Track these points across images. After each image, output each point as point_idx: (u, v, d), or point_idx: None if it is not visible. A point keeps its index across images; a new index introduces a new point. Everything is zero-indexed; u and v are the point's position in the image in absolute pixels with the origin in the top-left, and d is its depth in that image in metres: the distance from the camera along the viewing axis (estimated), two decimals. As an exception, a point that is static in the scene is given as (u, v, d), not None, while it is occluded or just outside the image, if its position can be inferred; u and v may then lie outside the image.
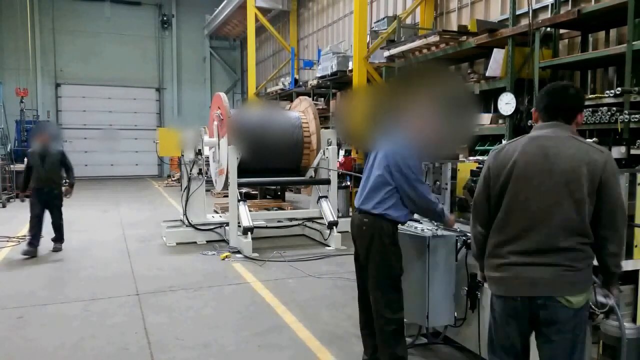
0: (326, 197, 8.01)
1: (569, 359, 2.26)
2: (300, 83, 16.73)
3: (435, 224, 3.76)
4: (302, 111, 8.75)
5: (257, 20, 17.95)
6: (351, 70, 11.86)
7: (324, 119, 13.85)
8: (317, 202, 8.07)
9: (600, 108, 6.07)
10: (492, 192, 2.41)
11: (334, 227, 7.60)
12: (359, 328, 3.67)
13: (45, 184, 7.18)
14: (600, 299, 2.51)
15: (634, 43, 5.76)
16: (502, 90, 7.67)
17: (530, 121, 7.08)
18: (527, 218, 2.26)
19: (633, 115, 5.64)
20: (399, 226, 3.75)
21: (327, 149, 8.18)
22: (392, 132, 3.54)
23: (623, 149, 2.83)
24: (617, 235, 2.26)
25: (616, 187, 2.24)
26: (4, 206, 12.14)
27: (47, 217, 7.40)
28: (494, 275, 2.38)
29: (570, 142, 2.27)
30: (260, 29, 19.90)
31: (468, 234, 3.57)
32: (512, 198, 2.32)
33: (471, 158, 7.76)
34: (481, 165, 3.75)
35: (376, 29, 11.61)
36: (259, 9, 17.89)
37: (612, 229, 2.25)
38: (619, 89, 5.84)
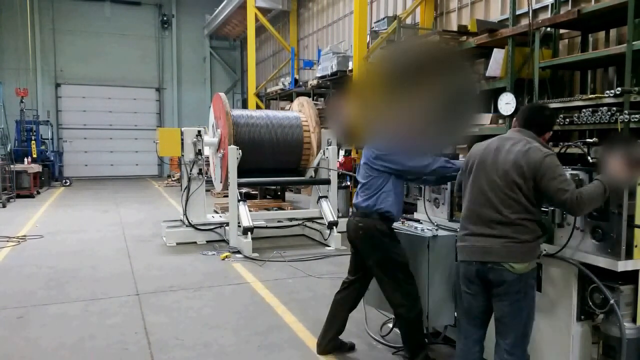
0: (326, 197, 8.01)
1: (517, 316, 2.69)
2: (300, 83, 16.73)
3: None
4: (301, 111, 8.76)
5: (257, 20, 17.95)
6: (351, 70, 11.86)
7: (324, 119, 13.85)
8: (317, 202, 8.07)
9: (600, 108, 6.06)
10: (464, 177, 2.95)
11: (334, 227, 7.60)
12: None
13: None
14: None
15: (634, 43, 5.76)
16: (502, 90, 7.67)
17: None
18: (480, 198, 2.76)
19: (633, 115, 5.64)
20: (398, 225, 3.76)
21: (327, 149, 8.18)
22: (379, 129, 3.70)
23: (623, 149, 2.83)
24: (566, 206, 2.60)
25: (550, 179, 2.59)
26: (4, 206, 12.14)
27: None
28: (459, 244, 2.89)
29: (522, 142, 2.74)
30: (260, 29, 19.90)
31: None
32: (471, 182, 2.84)
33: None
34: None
35: (376, 29, 11.61)
36: (259, 9, 17.89)
37: (561, 208, 2.77)
38: (619, 89, 5.83)
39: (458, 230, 2.95)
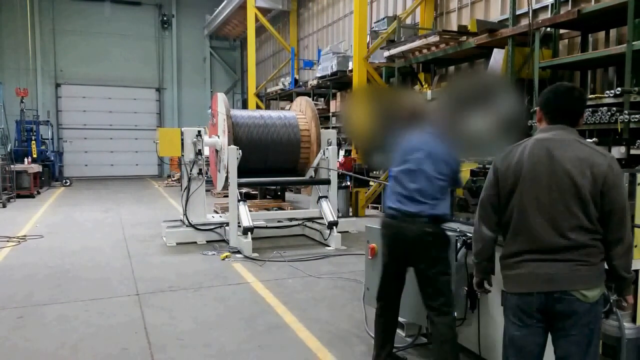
0: (326, 197, 8.00)
1: (585, 352, 2.26)
2: (300, 83, 16.74)
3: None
4: (301, 111, 8.75)
5: (257, 20, 17.96)
6: (351, 70, 11.87)
7: (324, 119, 13.87)
8: (317, 202, 8.07)
9: (600, 108, 6.07)
10: (501, 194, 2.44)
11: (334, 227, 7.59)
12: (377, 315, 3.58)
13: None
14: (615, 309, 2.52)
15: (634, 43, 5.77)
16: (502, 90, 7.67)
17: (530, 121, 7.08)
18: (538, 217, 2.30)
19: (633, 115, 5.64)
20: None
21: (327, 149, 8.18)
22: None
23: (623, 149, 2.82)
24: (625, 237, 2.26)
25: (621, 190, 2.27)
26: (4, 206, 12.14)
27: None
28: (510, 273, 2.40)
29: (575, 145, 2.31)
30: (260, 29, 19.91)
31: (468, 234, 3.57)
32: (521, 199, 2.35)
33: (471, 158, 7.77)
34: (481, 165, 3.76)
35: (376, 29, 11.62)
36: (259, 9, 17.90)
37: (619, 231, 2.26)
38: (619, 89, 5.84)
39: (506, 254, 2.45)
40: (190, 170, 7.91)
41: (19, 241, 8.03)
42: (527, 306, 2.32)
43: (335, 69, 13.08)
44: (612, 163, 2.27)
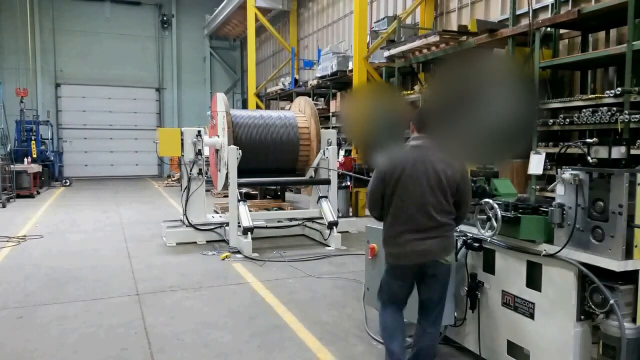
0: (326, 197, 8.00)
1: (442, 296, 3.26)
2: (300, 83, 16.74)
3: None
4: (301, 111, 8.75)
5: (257, 20, 17.97)
6: (351, 70, 11.88)
7: (324, 119, 13.88)
8: (317, 202, 8.07)
9: (600, 108, 6.07)
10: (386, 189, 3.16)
11: (334, 227, 7.59)
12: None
13: None
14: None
15: (634, 43, 5.77)
16: (502, 90, 7.67)
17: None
18: (414, 205, 3.08)
19: (633, 115, 5.64)
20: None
21: (327, 149, 8.18)
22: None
23: (623, 149, 2.82)
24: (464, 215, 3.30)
25: (468, 186, 3.25)
26: (4, 206, 12.14)
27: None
28: (394, 251, 3.20)
29: (436, 150, 3.15)
30: (260, 29, 19.92)
31: (468, 234, 3.57)
32: (403, 191, 3.10)
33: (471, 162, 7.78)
34: (481, 166, 3.77)
35: (376, 29, 11.62)
36: (259, 9, 17.91)
37: (463, 210, 3.25)
38: (619, 89, 5.84)
39: (389, 234, 3.21)
40: (190, 170, 7.91)
41: (18, 241, 8.03)
42: (407, 271, 3.21)
43: (335, 69, 13.09)
44: (461, 168, 3.18)
